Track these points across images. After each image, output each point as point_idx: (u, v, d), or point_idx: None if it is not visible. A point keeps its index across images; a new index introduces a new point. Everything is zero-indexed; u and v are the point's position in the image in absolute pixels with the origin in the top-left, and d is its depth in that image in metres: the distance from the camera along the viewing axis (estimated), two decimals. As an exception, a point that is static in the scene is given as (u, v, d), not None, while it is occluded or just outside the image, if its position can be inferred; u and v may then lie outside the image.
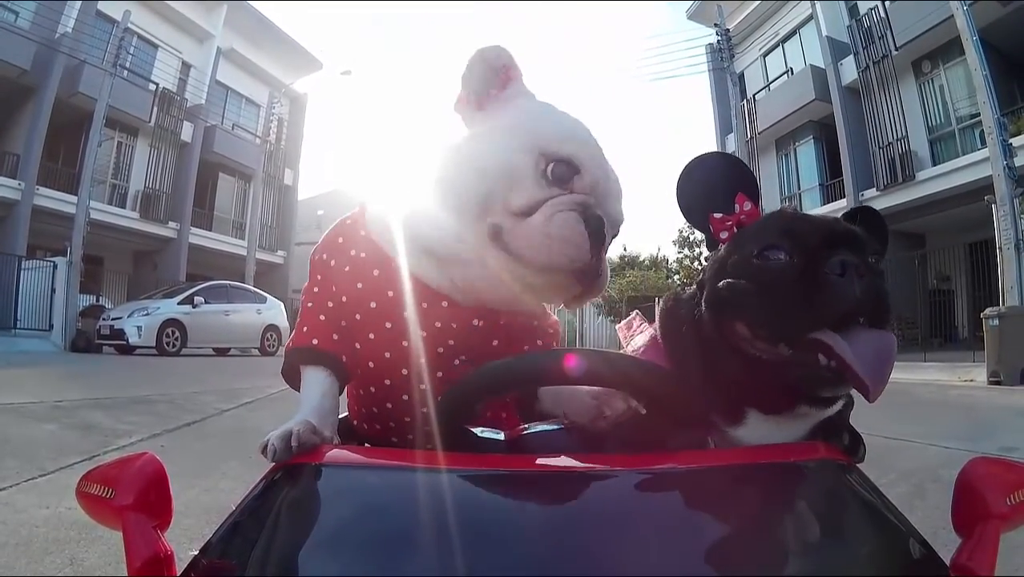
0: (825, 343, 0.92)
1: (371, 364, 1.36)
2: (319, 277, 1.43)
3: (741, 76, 25.91)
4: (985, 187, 14.23)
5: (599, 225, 1.16)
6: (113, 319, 16.63)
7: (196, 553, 0.81)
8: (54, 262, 19.09)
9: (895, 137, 19.06)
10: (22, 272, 18.72)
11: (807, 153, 23.79)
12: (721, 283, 1.04)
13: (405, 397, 1.36)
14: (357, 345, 1.37)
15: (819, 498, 0.93)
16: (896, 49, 18.57)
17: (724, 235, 1.10)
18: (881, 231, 1.13)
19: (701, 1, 26.20)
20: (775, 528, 0.83)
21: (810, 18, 22.47)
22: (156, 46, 24.38)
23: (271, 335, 18.85)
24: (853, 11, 20.95)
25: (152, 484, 0.90)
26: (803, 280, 0.95)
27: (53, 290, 18.82)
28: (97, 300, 20.76)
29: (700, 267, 1.28)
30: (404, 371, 1.34)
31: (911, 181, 18.37)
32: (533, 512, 0.84)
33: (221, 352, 18.30)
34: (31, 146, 20.24)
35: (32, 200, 20.15)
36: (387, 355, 1.33)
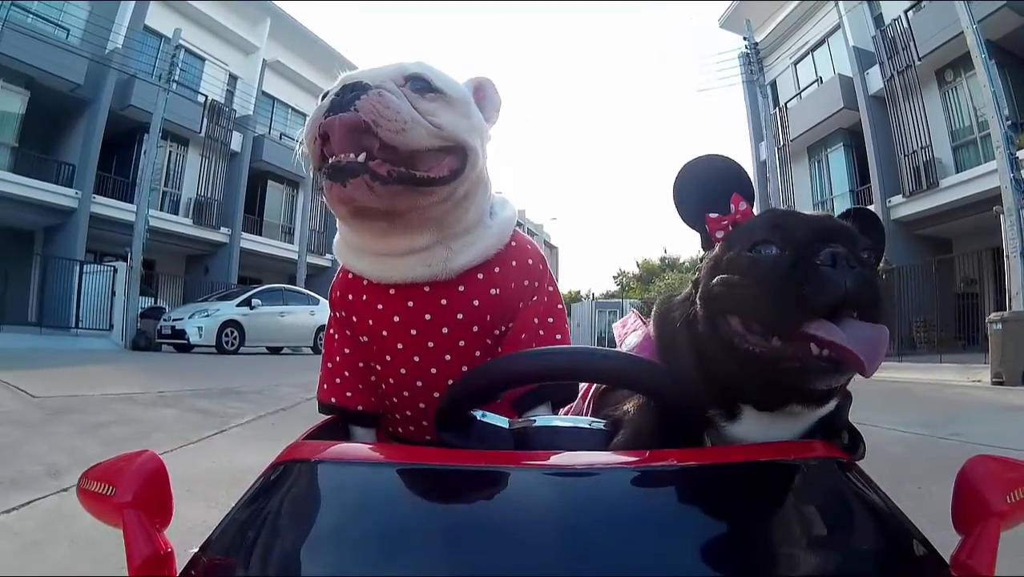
0: (815, 333, 0.93)
1: (391, 380, 1.50)
2: (334, 316, 1.59)
3: (773, 84, 26.37)
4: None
5: (345, 97, 1.22)
6: (174, 320, 17.71)
7: (196, 551, 0.83)
8: (114, 266, 20.25)
9: (919, 145, 19.26)
10: (84, 276, 19.79)
11: (838, 160, 24.13)
12: (715, 280, 1.05)
13: (422, 406, 1.50)
14: (379, 367, 1.51)
15: (819, 496, 0.94)
16: (919, 59, 18.83)
17: (720, 235, 1.12)
18: (877, 231, 1.17)
19: (735, 1, 26.56)
20: (775, 526, 0.86)
21: (837, 27, 22.78)
22: (203, 59, 25.40)
23: (323, 335, 19.52)
24: (878, 21, 21.28)
25: (152, 482, 0.91)
26: (794, 272, 0.96)
27: (113, 293, 19.93)
28: (155, 302, 21.73)
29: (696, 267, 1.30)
30: (403, 371, 1.47)
31: (935, 188, 18.62)
32: (533, 509, 0.83)
33: (274, 351, 19.30)
34: (87, 157, 21.18)
35: (89, 208, 21.08)
36: (402, 372, 1.48)
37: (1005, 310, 12.48)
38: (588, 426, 1.19)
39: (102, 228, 21.46)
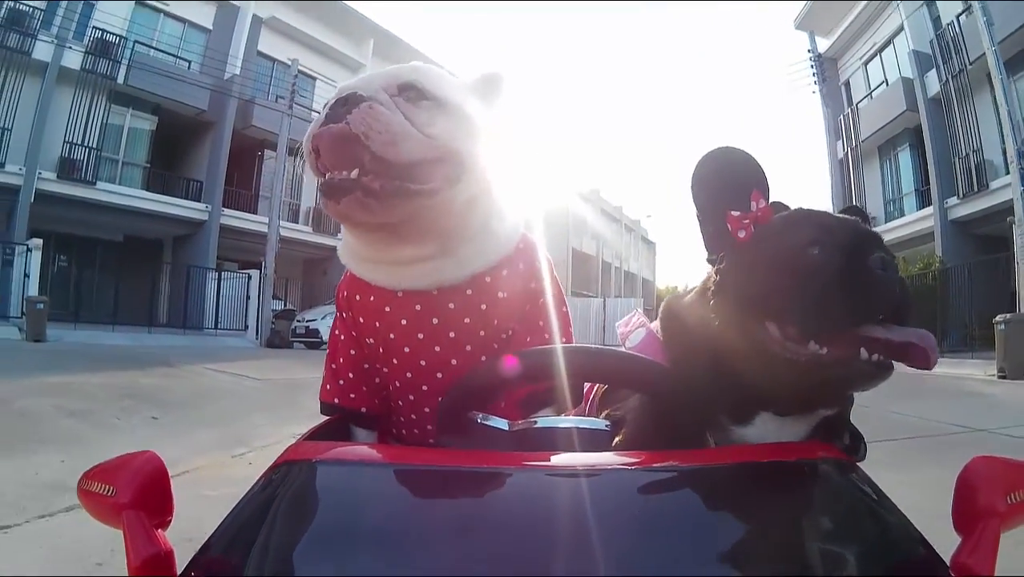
0: (874, 336, 0.97)
1: (398, 383, 1.55)
2: (340, 317, 1.62)
3: (847, 84, 28.00)
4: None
5: (340, 104, 1.24)
6: (308, 320, 20.73)
7: (196, 551, 0.85)
8: (248, 274, 23.61)
9: (972, 147, 20.33)
10: (222, 282, 23.27)
11: (905, 159, 25.32)
12: (753, 281, 1.06)
13: (427, 409, 1.54)
14: (385, 369, 1.55)
15: (820, 497, 0.97)
16: (969, 63, 19.87)
17: (742, 233, 1.10)
18: None
19: (810, 1, 28.11)
20: (776, 526, 0.88)
21: (901, 29, 24.01)
22: (315, 79, 28.45)
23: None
24: (937, 23, 22.28)
25: (152, 482, 0.94)
26: (853, 277, 0.98)
27: (248, 297, 23.28)
28: (284, 305, 24.74)
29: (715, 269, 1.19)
30: (409, 374, 1.51)
31: (985, 190, 19.66)
32: (533, 509, 0.86)
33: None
34: (215, 174, 24.81)
35: (219, 220, 24.64)
36: (408, 375, 1.51)
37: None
38: (589, 427, 1.22)
39: (223, 236, 25.05)
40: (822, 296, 1.00)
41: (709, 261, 1.21)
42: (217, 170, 25.22)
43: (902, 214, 25.18)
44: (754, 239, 1.10)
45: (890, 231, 23.62)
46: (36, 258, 19.56)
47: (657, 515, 0.85)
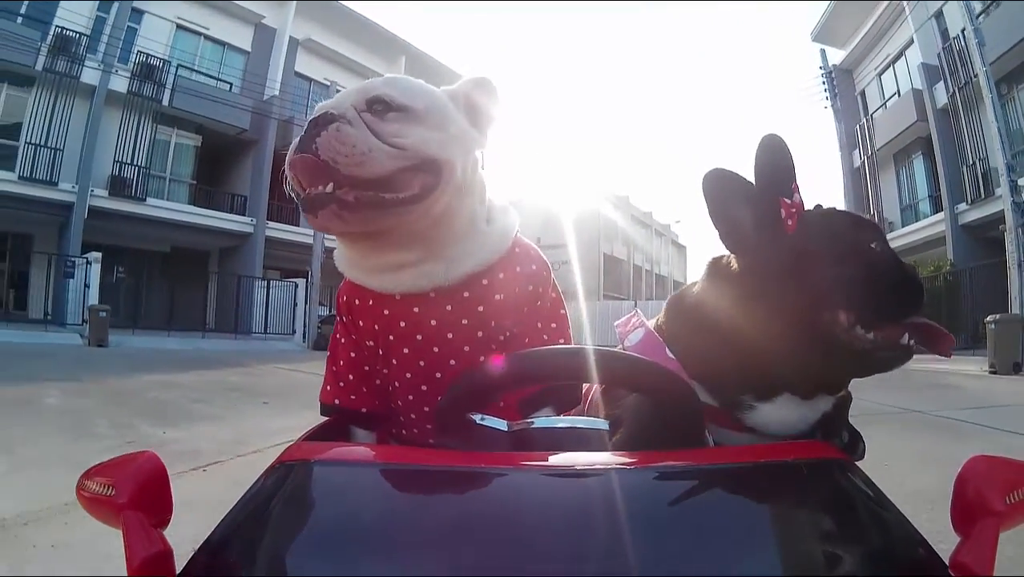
0: (928, 324, 1.09)
1: (397, 384, 1.56)
2: (340, 320, 1.64)
3: (862, 94, 29.08)
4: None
5: (312, 127, 1.27)
6: None
7: (195, 551, 0.85)
8: (295, 282, 25.16)
9: (979, 156, 20.97)
10: (270, 290, 24.68)
11: (919, 167, 26.20)
12: (818, 272, 1.11)
13: (427, 409, 1.55)
14: (385, 370, 1.56)
15: (818, 496, 0.96)
16: (974, 76, 20.17)
17: (790, 222, 1.14)
18: None
19: (828, 1, 28.90)
20: (774, 526, 0.90)
21: (911, 42, 24.93)
22: None
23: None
24: (944, 36, 23.00)
25: (152, 482, 0.95)
26: (906, 271, 1.10)
27: (295, 304, 24.81)
28: (329, 311, 25.67)
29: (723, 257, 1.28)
30: (409, 375, 1.52)
31: (992, 197, 20.03)
32: (530, 509, 0.87)
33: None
34: (259, 189, 26.24)
35: (264, 232, 26.23)
36: (408, 376, 1.53)
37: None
38: (587, 427, 1.18)
39: (266, 246, 26.59)
40: (893, 288, 1.11)
41: (734, 248, 1.25)
42: (260, 185, 26.61)
43: (917, 219, 26.00)
44: (801, 231, 1.15)
45: (905, 236, 24.67)
46: (96, 270, 21.09)
47: (655, 515, 0.85)
